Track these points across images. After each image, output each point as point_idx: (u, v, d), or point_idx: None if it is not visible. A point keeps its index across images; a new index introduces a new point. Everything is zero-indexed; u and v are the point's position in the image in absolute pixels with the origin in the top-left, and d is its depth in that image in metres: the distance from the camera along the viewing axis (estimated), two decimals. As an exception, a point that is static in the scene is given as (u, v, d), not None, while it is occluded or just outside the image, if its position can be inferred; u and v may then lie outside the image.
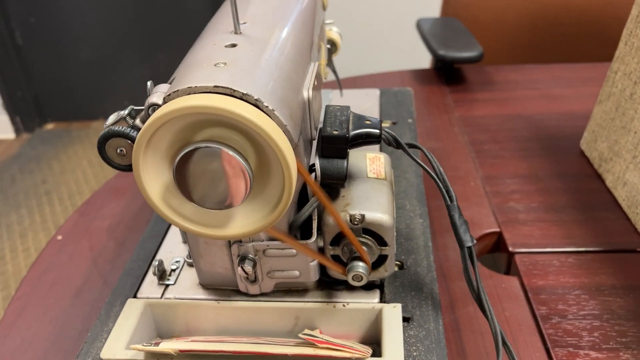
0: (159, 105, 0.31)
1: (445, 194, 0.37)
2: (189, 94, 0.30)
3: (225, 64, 0.32)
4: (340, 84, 0.66)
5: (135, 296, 0.42)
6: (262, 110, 0.30)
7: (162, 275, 0.43)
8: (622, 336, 0.45)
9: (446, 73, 0.90)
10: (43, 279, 0.56)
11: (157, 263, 0.43)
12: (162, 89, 0.33)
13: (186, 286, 0.42)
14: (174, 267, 0.44)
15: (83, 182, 1.92)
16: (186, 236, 0.40)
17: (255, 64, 0.33)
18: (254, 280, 0.40)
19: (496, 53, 1.01)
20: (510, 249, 0.55)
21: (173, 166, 0.31)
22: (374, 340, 0.40)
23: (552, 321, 0.47)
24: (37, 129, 2.39)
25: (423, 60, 1.28)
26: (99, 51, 2.22)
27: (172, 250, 0.46)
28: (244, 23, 0.38)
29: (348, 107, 0.38)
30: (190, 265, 0.44)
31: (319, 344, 0.35)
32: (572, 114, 0.77)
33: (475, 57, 0.82)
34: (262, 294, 0.41)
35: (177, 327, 0.42)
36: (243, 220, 0.33)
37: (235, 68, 0.32)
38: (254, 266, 0.38)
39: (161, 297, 0.41)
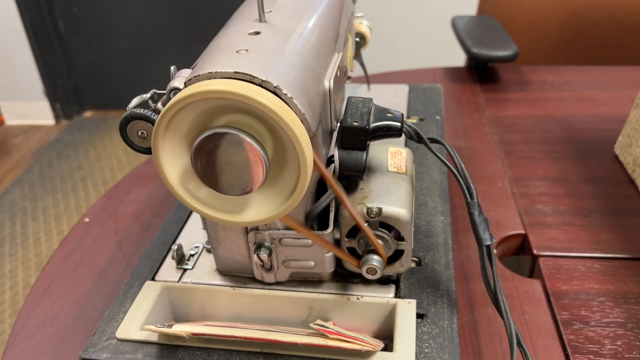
0: (180, 90, 0.32)
1: (466, 191, 0.37)
2: (209, 79, 0.31)
3: (247, 50, 0.32)
4: (368, 78, 0.66)
5: (153, 279, 0.42)
6: (280, 98, 0.30)
7: (180, 259, 0.43)
8: (646, 346, 0.44)
9: (479, 72, 0.89)
10: (69, 260, 0.57)
11: (176, 247, 0.43)
12: (184, 73, 0.33)
13: (203, 271, 0.43)
14: (192, 252, 0.44)
15: (117, 170, 1.96)
16: (205, 222, 0.40)
17: (277, 51, 0.33)
18: (270, 269, 0.40)
19: (531, 53, 0.99)
20: (535, 251, 0.54)
21: (191, 150, 0.31)
22: (387, 335, 0.40)
23: (574, 327, 0.46)
24: (75, 116, 2.44)
25: (457, 58, 1.27)
26: (138, 42, 2.26)
27: (192, 236, 0.46)
28: (270, 12, 0.38)
29: (370, 99, 0.38)
30: (209, 251, 0.44)
31: (329, 335, 0.34)
32: (607, 117, 0.75)
33: (509, 57, 0.80)
34: (277, 283, 0.41)
35: (192, 311, 0.42)
36: (258, 207, 0.33)
37: (257, 55, 0.32)
38: (270, 254, 0.38)
39: (178, 281, 0.42)
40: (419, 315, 0.38)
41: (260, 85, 0.30)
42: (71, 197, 1.87)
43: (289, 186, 0.32)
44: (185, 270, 0.43)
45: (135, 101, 0.34)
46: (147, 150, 0.34)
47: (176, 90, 0.32)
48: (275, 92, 0.30)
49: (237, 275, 0.42)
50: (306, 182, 0.31)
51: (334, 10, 0.43)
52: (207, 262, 0.43)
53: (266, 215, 0.33)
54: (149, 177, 0.70)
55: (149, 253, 0.45)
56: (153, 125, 0.32)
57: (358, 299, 0.39)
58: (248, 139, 0.30)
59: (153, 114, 0.32)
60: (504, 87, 0.84)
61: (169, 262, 0.44)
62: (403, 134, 0.37)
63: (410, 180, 0.40)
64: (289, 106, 0.30)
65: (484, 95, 0.82)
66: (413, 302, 0.39)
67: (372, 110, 0.37)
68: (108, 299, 0.51)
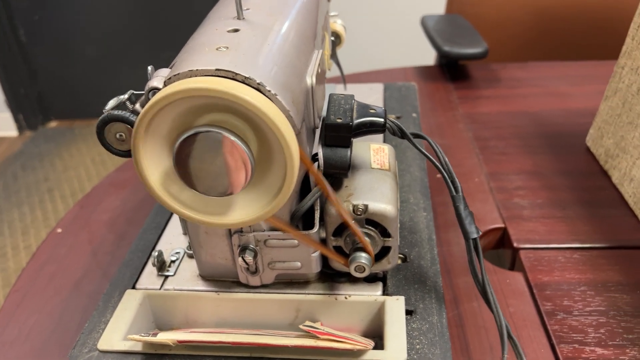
0: (159, 89, 0.31)
1: (451, 185, 0.37)
2: (190, 77, 0.30)
3: (227, 48, 0.32)
4: (344, 77, 0.66)
5: (134, 287, 0.41)
6: (264, 95, 0.30)
7: (161, 266, 0.42)
8: (628, 332, 0.45)
9: (451, 70, 0.89)
10: (42, 271, 0.55)
11: (156, 254, 0.42)
12: (163, 73, 0.32)
13: (186, 277, 0.42)
14: (173, 258, 0.43)
15: (86, 180, 1.92)
16: (186, 227, 0.39)
17: (258, 49, 0.32)
18: (255, 272, 0.39)
19: (500, 51, 1.00)
20: (515, 244, 0.54)
21: (173, 151, 0.30)
22: (376, 334, 0.40)
23: (558, 317, 0.46)
24: (40, 127, 2.38)
25: (426, 57, 1.28)
26: (103, 49, 2.21)
27: (172, 242, 0.45)
28: (247, 9, 0.37)
29: (352, 96, 0.38)
30: (191, 256, 0.43)
31: (320, 335, 0.34)
32: (578, 111, 0.76)
33: (480, 54, 0.81)
34: (263, 286, 0.40)
35: (176, 319, 0.41)
36: (243, 209, 0.33)
37: (237, 52, 0.31)
38: (255, 257, 0.38)
39: (160, 289, 0.41)
40: (408, 312, 0.38)
41: (243, 82, 0.29)
42: (38, 209, 1.82)
43: (275, 186, 0.32)
44: (166, 277, 0.42)
45: (112, 103, 0.33)
46: (126, 153, 0.33)
47: (155, 90, 0.31)
48: (258, 88, 0.30)
49: (220, 280, 0.41)
50: (293, 181, 0.31)
51: (311, 8, 0.42)
52: (189, 268, 0.42)
53: (252, 216, 0.32)
54: (121, 184, 0.68)
55: (128, 261, 0.44)
56: (132, 126, 0.31)
57: (346, 298, 0.39)
58: (233, 138, 0.29)
59: (132, 115, 0.31)
60: (476, 84, 0.85)
61: (150, 270, 0.43)
62: (386, 130, 0.37)
63: (394, 176, 0.40)
64: (274, 103, 0.30)
65: (457, 93, 0.83)
66: (401, 298, 0.38)
67: (355, 106, 0.37)
68: (85, 310, 0.50)
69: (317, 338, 0.34)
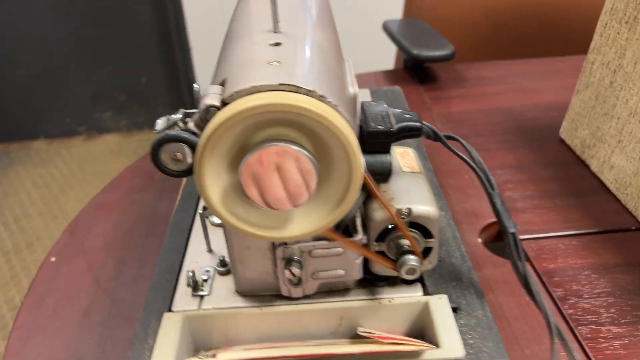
0: (217, 107, 0.30)
1: (487, 183, 0.38)
2: (251, 93, 0.30)
3: (279, 62, 0.32)
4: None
5: (170, 310, 0.40)
6: (330, 107, 0.30)
7: (195, 286, 0.41)
8: (637, 310, 0.48)
9: (417, 72, 0.92)
10: (44, 304, 0.53)
11: (190, 274, 0.41)
12: (213, 90, 0.32)
13: (222, 295, 0.41)
14: (204, 277, 0.42)
15: (29, 205, 1.82)
16: (227, 242, 0.38)
17: (308, 61, 0.33)
18: (298, 283, 0.39)
19: (459, 52, 1.04)
20: (516, 236, 0.57)
21: (240, 167, 0.30)
22: (417, 334, 0.40)
23: (570, 301, 0.49)
24: (-31, 153, 2.25)
25: (385, 61, 1.31)
26: (38, 67, 2.11)
27: (198, 261, 0.44)
28: (278, 22, 0.37)
29: (383, 103, 0.38)
30: (222, 274, 0.43)
31: (382, 340, 0.34)
32: (546, 105, 0.80)
33: (448, 55, 0.84)
34: (305, 297, 0.40)
35: (215, 339, 0.40)
36: (302, 221, 0.33)
37: (291, 66, 0.31)
38: (301, 268, 0.38)
39: (199, 309, 0.40)
40: (453, 309, 0.39)
41: (306, 95, 0.30)
42: (-22, 239, 1.71)
43: (335, 196, 0.32)
44: (201, 296, 0.41)
45: (161, 123, 0.32)
46: (181, 173, 0.32)
47: (213, 107, 0.30)
48: (321, 101, 0.30)
49: (259, 294, 0.41)
50: (357, 190, 0.31)
51: (327, 16, 0.43)
52: (223, 286, 0.42)
53: (313, 228, 0.32)
54: (108, 207, 0.66)
55: (157, 284, 0.43)
56: (190, 146, 0.31)
57: (389, 301, 0.39)
58: (301, 151, 0.29)
59: (190, 134, 0.31)
60: (444, 85, 0.88)
61: (182, 291, 0.42)
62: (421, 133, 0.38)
63: (425, 178, 0.41)
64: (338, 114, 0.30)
65: (428, 95, 0.85)
66: (444, 296, 0.39)
67: (390, 113, 0.38)
68: (101, 339, 0.48)
69: (377, 342, 0.35)
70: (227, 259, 0.43)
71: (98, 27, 1.98)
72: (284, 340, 0.40)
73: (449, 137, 0.39)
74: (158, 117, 0.33)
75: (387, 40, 0.95)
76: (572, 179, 0.65)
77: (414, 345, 0.34)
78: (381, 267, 0.39)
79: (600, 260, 0.54)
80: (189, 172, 0.32)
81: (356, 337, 0.40)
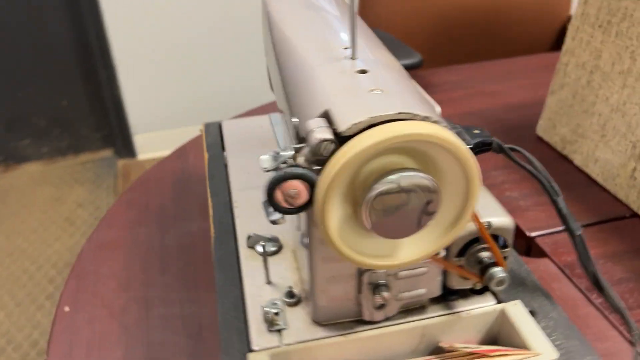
0: (333, 141, 0.30)
1: (550, 189, 0.40)
2: (371, 124, 0.29)
3: (381, 91, 0.32)
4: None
5: (250, 350, 0.39)
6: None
7: (271, 321, 0.40)
8: (657, 291, 0.52)
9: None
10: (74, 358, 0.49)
11: (266, 310, 0.40)
12: (318, 123, 0.31)
13: (300, 327, 0.40)
14: (274, 310, 0.41)
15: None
16: (310, 272, 0.38)
17: (403, 87, 0.33)
18: (381, 306, 0.39)
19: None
20: (527, 233, 0.60)
21: (367, 202, 0.29)
22: (490, 342, 0.42)
23: (594, 291, 0.52)
24: None
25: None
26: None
27: (261, 294, 0.43)
28: (346, 48, 0.37)
29: (451, 120, 0.39)
30: (291, 305, 0.42)
31: (490, 353, 0.35)
32: (514, 105, 0.85)
33: (417, 63, 0.87)
34: (386, 319, 0.40)
35: (297, 373, 0.39)
36: (414, 246, 0.33)
37: (395, 93, 0.32)
38: (388, 291, 0.38)
39: (281, 345, 0.39)
40: (530, 313, 0.40)
41: (425, 122, 0.30)
42: None
43: (446, 219, 0.32)
44: (279, 331, 0.40)
45: (268, 159, 0.31)
46: (295, 210, 0.31)
47: (327, 142, 0.30)
48: (438, 126, 0.30)
49: (338, 322, 0.40)
50: (472, 210, 0.32)
51: (371, 33, 0.43)
52: (296, 317, 0.41)
53: (425, 252, 0.33)
54: (111, 245, 0.62)
55: (225, 324, 0.41)
56: (308, 182, 0.30)
57: (467, 313, 0.40)
58: (427, 177, 0.29)
59: (308, 171, 0.30)
60: (414, 91, 0.90)
61: (256, 327, 0.40)
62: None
63: (486, 189, 0.42)
64: (455, 138, 0.30)
65: (401, 102, 0.87)
66: (518, 302, 0.41)
67: (461, 129, 0.38)
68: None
69: (485, 356, 0.35)
70: (294, 290, 0.42)
71: (10, 46, 1.84)
72: (368, 365, 0.39)
73: (512, 149, 0.41)
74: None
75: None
76: (557, 174, 0.69)
77: (520, 354, 0.35)
78: (458, 281, 0.40)
79: (610, 249, 0.58)
80: (302, 209, 0.31)
81: (435, 353, 0.41)
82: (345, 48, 0.37)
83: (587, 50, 0.68)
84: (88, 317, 0.53)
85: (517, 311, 0.40)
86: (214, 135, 0.65)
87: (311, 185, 0.30)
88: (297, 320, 0.41)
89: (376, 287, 0.38)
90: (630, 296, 0.52)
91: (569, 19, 1.26)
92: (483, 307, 0.41)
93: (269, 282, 0.44)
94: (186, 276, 0.56)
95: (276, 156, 0.31)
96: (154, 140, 1.99)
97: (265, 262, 0.43)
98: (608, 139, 0.65)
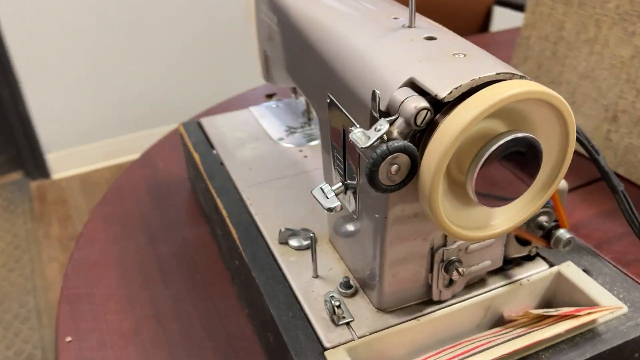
0: (430, 109, 0.28)
1: (591, 149, 0.41)
2: (473, 86, 0.28)
3: (464, 55, 0.30)
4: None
5: (324, 348, 0.36)
6: (543, 90, 0.29)
7: (336, 315, 0.38)
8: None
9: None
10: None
11: (329, 304, 0.37)
12: (407, 92, 0.29)
13: (367, 316, 0.38)
14: (336, 303, 0.39)
15: None
16: (381, 257, 0.35)
17: (479, 50, 0.32)
18: (449, 284, 0.38)
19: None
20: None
21: (474, 170, 0.28)
22: (546, 305, 0.42)
23: (604, 248, 0.54)
24: None
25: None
26: None
27: (313, 289, 0.40)
28: (396, 18, 0.36)
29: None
30: (348, 296, 0.40)
31: (577, 313, 0.35)
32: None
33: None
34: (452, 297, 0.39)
35: (373, 364, 0.37)
36: (507, 214, 0.32)
37: (477, 56, 0.30)
38: (462, 266, 0.37)
39: (355, 338, 0.36)
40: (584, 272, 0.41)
41: (523, 79, 0.29)
42: None
43: (537, 182, 0.32)
44: (347, 324, 0.37)
45: (361, 137, 0.28)
46: (395, 188, 0.29)
47: (425, 110, 0.28)
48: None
49: (402, 307, 0.39)
50: (566, 169, 0.31)
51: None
52: (360, 308, 0.39)
53: (520, 219, 0.32)
54: (100, 264, 0.56)
55: (285, 325, 0.38)
56: (412, 157, 0.28)
57: (528, 280, 0.40)
58: (534, 137, 0.29)
59: (410, 143, 0.28)
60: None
61: (321, 324, 0.37)
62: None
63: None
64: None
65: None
66: (570, 263, 0.41)
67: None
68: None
69: (574, 317, 0.35)
70: (351, 281, 0.40)
71: None
72: (438, 346, 0.38)
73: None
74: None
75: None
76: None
77: (604, 310, 0.35)
78: (516, 250, 0.40)
79: (602, 207, 0.60)
80: (401, 185, 0.29)
81: (498, 325, 0.40)
82: (395, 18, 0.36)
83: (549, 23, 0.71)
84: (96, 344, 0.47)
85: (572, 271, 0.40)
86: (197, 134, 0.61)
87: (412, 158, 0.28)
88: (361, 310, 0.38)
89: (448, 264, 0.37)
90: (636, 249, 0.54)
91: (491, 3, 1.31)
92: (539, 272, 0.41)
93: (316, 276, 0.41)
94: (195, 286, 0.52)
95: (367, 132, 0.29)
96: (70, 157, 1.85)
97: (313, 254, 0.41)
98: (579, 105, 0.68)
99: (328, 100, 0.37)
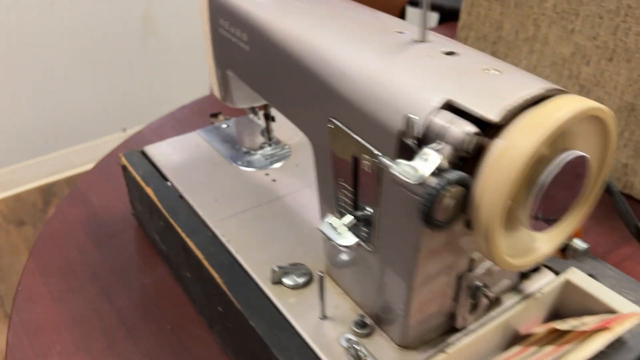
0: (479, 134, 0.25)
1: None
2: (519, 104, 0.26)
3: (498, 71, 0.28)
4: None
5: (354, 400, 0.33)
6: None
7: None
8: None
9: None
10: None
11: (353, 350, 0.34)
12: (446, 116, 0.26)
13: (391, 357, 0.35)
14: (356, 347, 0.35)
15: None
16: (408, 292, 0.32)
17: (505, 63, 0.30)
18: (474, 309, 0.36)
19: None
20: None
21: (534, 196, 0.26)
22: (554, 315, 0.41)
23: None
24: None
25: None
26: None
27: (323, 333, 0.37)
28: (401, 32, 0.33)
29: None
30: (363, 336, 0.36)
31: (609, 324, 0.34)
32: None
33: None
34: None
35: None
36: (548, 234, 0.30)
37: (509, 71, 0.28)
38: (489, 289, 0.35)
39: (385, 384, 0.33)
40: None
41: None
42: None
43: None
44: (372, 368, 0.34)
45: (409, 170, 0.25)
46: (450, 223, 0.26)
47: (478, 135, 0.25)
48: (574, 99, 0.28)
49: (425, 341, 0.36)
50: (602, 185, 0.30)
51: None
52: (381, 347, 0.35)
53: (562, 237, 0.30)
54: (48, 325, 0.48)
55: None
56: (466, 188, 0.25)
57: (541, 293, 0.39)
58: (585, 155, 0.27)
59: (465, 174, 0.25)
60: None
61: (346, 373, 0.34)
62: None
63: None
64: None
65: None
66: (574, 269, 0.40)
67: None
68: None
69: (606, 329, 0.34)
70: (366, 320, 0.37)
71: None
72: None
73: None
74: None
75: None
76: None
77: (632, 317, 0.35)
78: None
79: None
80: (454, 219, 0.26)
81: (515, 343, 0.39)
82: (400, 32, 0.33)
83: (487, 23, 0.71)
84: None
85: (580, 278, 0.40)
86: (143, 164, 0.54)
87: (468, 189, 0.26)
88: (384, 350, 0.35)
89: (477, 289, 0.34)
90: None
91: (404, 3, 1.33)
92: (549, 282, 0.40)
93: (324, 317, 0.38)
94: (168, 338, 0.46)
95: (416, 164, 0.25)
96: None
97: (322, 293, 0.37)
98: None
99: (331, 126, 0.33)
